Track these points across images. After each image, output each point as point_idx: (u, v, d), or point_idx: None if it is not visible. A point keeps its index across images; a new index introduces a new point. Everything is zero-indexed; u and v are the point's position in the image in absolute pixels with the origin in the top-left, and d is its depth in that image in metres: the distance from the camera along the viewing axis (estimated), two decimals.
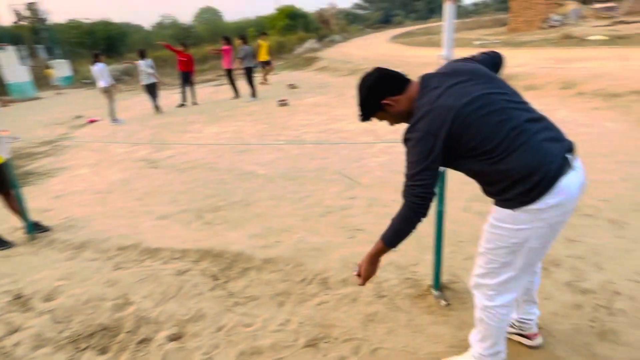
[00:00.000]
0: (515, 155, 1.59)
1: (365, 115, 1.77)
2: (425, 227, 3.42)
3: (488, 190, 1.72)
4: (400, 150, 5.68)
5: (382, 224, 3.62)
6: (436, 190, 1.72)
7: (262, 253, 3.21)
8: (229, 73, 10.21)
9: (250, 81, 10.04)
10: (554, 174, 1.59)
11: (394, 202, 4.02)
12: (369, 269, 1.82)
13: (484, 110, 1.61)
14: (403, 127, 1.83)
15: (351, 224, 3.63)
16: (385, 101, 1.72)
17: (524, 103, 1.75)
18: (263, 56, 11.69)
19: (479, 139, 1.60)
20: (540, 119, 1.67)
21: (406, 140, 1.68)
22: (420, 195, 1.68)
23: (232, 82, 10.40)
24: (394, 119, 1.79)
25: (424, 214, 1.70)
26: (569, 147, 1.66)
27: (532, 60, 8.71)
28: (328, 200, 4.19)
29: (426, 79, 1.70)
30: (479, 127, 1.59)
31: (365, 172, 4.96)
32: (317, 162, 5.42)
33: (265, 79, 12.29)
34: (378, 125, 7.43)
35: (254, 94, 10.14)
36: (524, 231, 1.67)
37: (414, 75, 1.83)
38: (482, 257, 1.81)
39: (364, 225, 3.50)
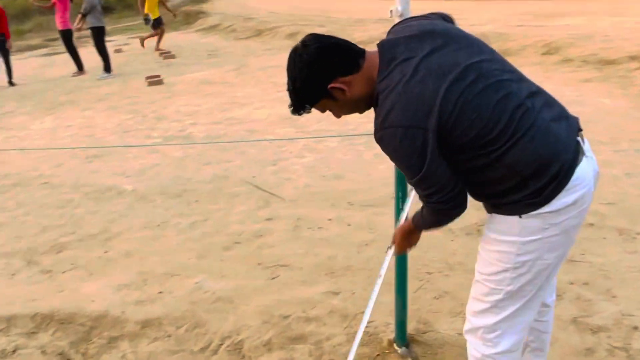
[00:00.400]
0: (523, 143, 1.62)
1: (302, 106, 1.74)
2: (378, 253, 3.74)
3: (485, 193, 1.74)
4: (334, 147, 6.04)
5: (317, 255, 3.93)
6: (462, 196, 1.72)
7: (139, 312, 2.90)
8: (66, 36, 9.41)
9: (100, 48, 9.33)
10: (570, 165, 1.65)
11: (330, 222, 3.99)
12: (402, 244, 2.05)
13: (478, 86, 1.61)
14: (354, 117, 1.78)
15: (271, 258, 3.64)
16: (333, 84, 1.68)
17: (516, 71, 1.78)
18: (151, 9, 11.09)
19: (479, 125, 1.60)
20: (538, 92, 1.71)
21: (380, 141, 1.64)
22: (442, 207, 1.73)
23: (72, 50, 9.56)
24: (345, 109, 1.76)
25: (457, 212, 1.77)
26: (577, 127, 1.74)
27: (504, 15, 9.28)
28: (235, 225, 4.07)
29: (388, 47, 1.69)
30: (477, 110, 1.59)
31: (285, 179, 4.96)
32: (214, 169, 5.32)
33: (144, 44, 11.89)
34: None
35: (107, 68, 9.43)
36: (534, 243, 1.72)
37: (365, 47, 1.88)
38: (480, 288, 1.84)
39: (290, 257, 3.61)
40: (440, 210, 1.73)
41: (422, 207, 1.86)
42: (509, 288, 1.80)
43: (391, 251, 2.23)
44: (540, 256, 1.75)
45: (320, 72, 1.67)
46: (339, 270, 3.39)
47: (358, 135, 6.16)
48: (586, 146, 1.76)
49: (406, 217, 2.11)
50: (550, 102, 1.74)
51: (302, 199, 4.49)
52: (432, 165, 1.62)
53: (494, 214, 1.79)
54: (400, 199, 2.51)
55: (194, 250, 3.75)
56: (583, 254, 3.38)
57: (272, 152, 5.73)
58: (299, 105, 1.75)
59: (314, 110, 1.78)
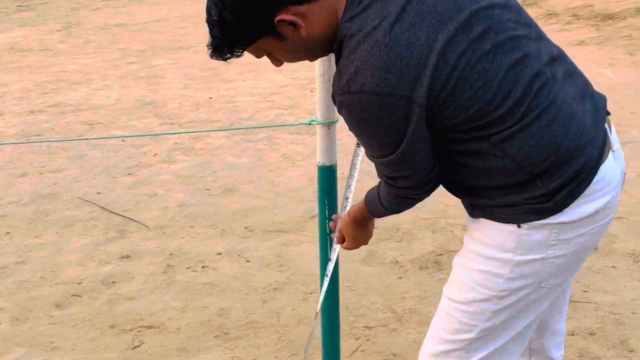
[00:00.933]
0: (537, 127, 1.72)
1: (231, 47, 1.76)
2: (293, 302, 3.81)
3: (474, 188, 1.83)
4: (221, 145, 6.22)
5: (201, 310, 3.84)
6: (435, 180, 1.85)
7: None
8: None
9: None
10: (595, 163, 1.76)
11: (219, 259, 4.02)
12: (357, 235, 2.18)
13: (487, 43, 1.69)
14: (293, 67, 1.81)
15: (130, 316, 3.62)
16: (282, 16, 1.70)
17: (534, 26, 1.86)
18: None
19: (484, 99, 1.68)
20: (560, 57, 1.82)
21: (341, 107, 1.70)
22: (407, 194, 1.87)
23: None
24: (294, 52, 1.81)
25: (424, 196, 1.90)
26: (605, 109, 1.87)
27: None
28: (71, 268, 4.00)
29: None
30: (483, 77, 1.67)
31: (148, 196, 4.98)
32: (34, 183, 5.23)
33: None
34: (168, 90, 7.85)
35: None
36: (534, 264, 1.81)
37: None
38: (446, 321, 1.93)
39: (160, 315, 3.59)
40: (405, 197, 1.87)
41: (379, 187, 1.94)
42: (488, 324, 1.87)
43: (335, 253, 2.32)
44: (538, 282, 1.83)
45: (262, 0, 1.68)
46: (236, 329, 3.40)
47: (256, 127, 6.24)
48: (613, 136, 1.86)
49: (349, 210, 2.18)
50: (572, 72, 1.83)
51: (175, 225, 4.50)
52: (412, 146, 1.69)
53: (481, 219, 1.86)
54: (327, 218, 2.58)
55: (5, 311, 3.63)
56: (586, 291, 3.56)
57: (126, 155, 5.71)
58: (227, 45, 1.75)
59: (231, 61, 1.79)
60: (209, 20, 1.73)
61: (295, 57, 1.80)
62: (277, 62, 1.84)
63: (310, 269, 3.84)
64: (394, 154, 1.70)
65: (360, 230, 2.13)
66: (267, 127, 6.06)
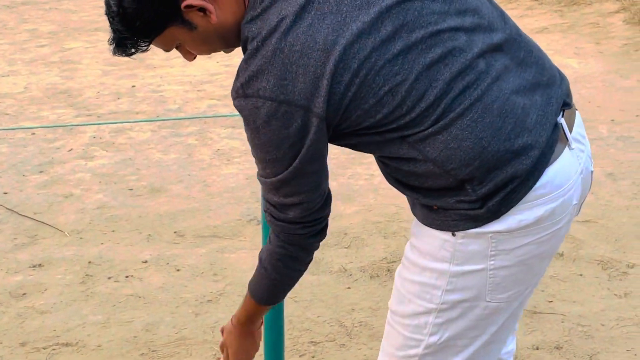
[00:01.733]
0: (458, 128, 1.74)
1: (135, 40, 1.78)
2: (229, 315, 3.75)
3: (408, 185, 1.87)
4: (146, 139, 6.16)
5: (125, 325, 3.80)
6: (326, 217, 1.90)
7: None
8: None
9: None
10: (536, 162, 1.77)
11: (145, 268, 4.01)
12: (240, 349, 2.16)
13: (397, 43, 1.71)
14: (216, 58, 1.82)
15: (43, 333, 3.56)
16: (190, 1, 1.72)
17: (473, 10, 1.85)
18: None
19: (391, 104, 1.72)
20: (508, 42, 1.83)
21: (238, 110, 1.75)
22: (301, 232, 1.87)
23: None
24: (205, 43, 1.83)
25: (316, 244, 1.95)
26: (563, 99, 1.86)
27: None
28: None
29: None
30: (389, 83, 1.71)
31: (63, 197, 4.94)
32: None
33: None
34: (84, 77, 7.75)
35: None
36: (473, 276, 1.85)
37: None
38: (392, 336, 1.98)
39: (78, 331, 3.54)
40: (294, 242, 1.88)
41: (266, 252, 1.94)
42: (433, 339, 1.90)
43: None
44: (481, 296, 1.86)
45: None
46: (165, 346, 3.37)
47: (186, 118, 6.23)
48: (576, 131, 1.88)
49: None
50: (524, 60, 1.83)
51: (94, 229, 4.46)
52: (306, 164, 1.74)
53: (421, 226, 1.90)
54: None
55: None
56: (551, 302, 3.61)
57: (37, 150, 5.66)
58: (130, 39, 1.76)
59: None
60: (109, 12, 1.74)
61: (208, 48, 1.84)
62: (189, 55, 1.86)
63: (249, 279, 3.84)
64: (286, 171, 1.74)
65: (245, 338, 2.13)
66: (199, 117, 6.05)
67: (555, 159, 1.79)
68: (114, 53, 1.78)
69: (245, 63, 1.69)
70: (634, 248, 4.10)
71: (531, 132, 1.75)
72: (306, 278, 3.87)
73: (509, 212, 1.77)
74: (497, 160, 1.73)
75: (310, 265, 3.98)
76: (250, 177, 5.07)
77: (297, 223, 1.84)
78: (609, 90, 6.54)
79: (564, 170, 1.81)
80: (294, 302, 3.66)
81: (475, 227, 1.78)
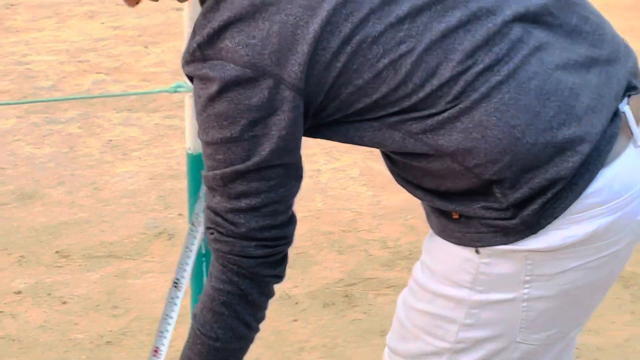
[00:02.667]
0: (483, 111, 1.73)
1: None
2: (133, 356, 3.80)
3: (421, 190, 1.88)
4: (10, 129, 5.97)
5: None
6: (289, 241, 1.88)
7: None
8: None
9: None
10: (589, 162, 1.75)
11: (19, 300, 4.01)
12: None
13: (405, 4, 1.74)
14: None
15: None
16: None
17: None
18: None
19: (395, 80, 1.73)
20: (555, 6, 1.83)
21: (189, 77, 1.80)
22: (251, 237, 1.82)
23: None
24: None
25: (270, 290, 1.90)
26: (627, 82, 1.86)
27: None
28: None
29: None
30: (388, 55, 1.72)
31: None
32: None
33: None
34: None
35: None
36: (500, 308, 1.86)
37: None
38: None
39: None
40: (251, 267, 1.83)
41: (203, 301, 1.90)
42: None
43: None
44: (511, 334, 1.88)
45: None
46: None
47: (64, 99, 6.20)
48: None
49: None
50: (578, 29, 1.84)
51: None
52: (275, 152, 1.74)
53: (436, 239, 1.91)
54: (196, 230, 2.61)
55: None
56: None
57: None
58: None
59: None
60: None
61: None
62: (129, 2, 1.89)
63: (160, 311, 3.84)
64: (246, 162, 1.74)
65: None
66: (83, 98, 6.02)
67: (614, 159, 1.78)
68: None
69: (203, 18, 1.73)
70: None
71: (581, 121, 1.74)
72: None
73: (551, 225, 1.76)
74: (535, 157, 1.73)
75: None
76: (156, 176, 5.06)
77: (252, 239, 1.80)
78: None
79: (626, 173, 1.80)
80: None
81: (506, 242, 1.78)
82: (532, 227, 1.76)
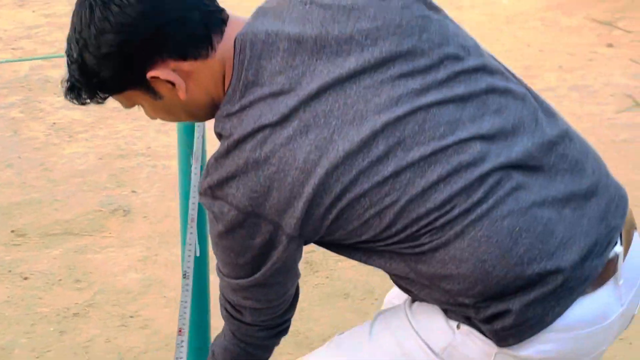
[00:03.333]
0: (458, 247, 1.84)
1: (93, 91, 1.93)
2: (115, 330, 3.61)
3: (402, 287, 2.06)
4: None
5: None
6: (288, 323, 2.17)
7: None
8: None
9: None
10: (555, 292, 1.85)
11: None
12: None
13: (390, 165, 1.83)
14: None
15: None
16: (157, 72, 1.88)
17: (502, 109, 1.89)
18: None
19: (381, 226, 1.85)
20: (541, 146, 1.90)
21: (207, 208, 1.95)
22: (254, 325, 2.10)
23: None
24: (171, 114, 2.02)
25: (278, 342, 2.20)
26: (606, 213, 1.92)
27: None
28: None
29: (252, 50, 1.90)
30: (377, 205, 1.84)
31: None
32: None
33: None
34: None
35: None
36: None
37: None
38: None
39: None
40: (256, 340, 2.14)
41: (220, 347, 2.17)
42: None
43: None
44: None
45: (134, 45, 1.83)
46: None
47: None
48: (631, 259, 1.95)
49: None
50: (556, 167, 1.89)
51: None
52: (270, 278, 1.95)
53: (416, 304, 2.02)
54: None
55: None
56: None
57: None
58: (86, 90, 1.89)
59: None
60: (68, 54, 1.88)
61: (172, 118, 2.04)
62: (151, 114, 2.02)
63: (124, 283, 3.89)
64: (246, 279, 1.96)
65: None
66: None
67: (591, 291, 1.86)
68: (66, 96, 1.91)
69: (215, 161, 1.87)
70: None
71: (553, 255, 1.81)
72: None
73: (523, 341, 1.86)
74: (504, 287, 1.82)
75: None
76: (105, 157, 5.08)
77: (255, 326, 2.07)
78: (552, 30, 6.82)
79: (599, 307, 1.88)
80: None
81: (483, 335, 1.89)
82: (501, 340, 1.87)
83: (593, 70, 6.17)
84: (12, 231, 4.39)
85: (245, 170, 1.81)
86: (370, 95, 1.82)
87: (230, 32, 1.88)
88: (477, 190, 1.79)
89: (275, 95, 1.83)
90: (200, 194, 1.91)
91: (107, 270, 4.03)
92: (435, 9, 1.95)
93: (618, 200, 1.93)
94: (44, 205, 4.63)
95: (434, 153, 1.80)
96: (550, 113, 1.96)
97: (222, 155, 1.85)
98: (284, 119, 1.81)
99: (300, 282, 3.80)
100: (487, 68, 1.93)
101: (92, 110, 5.62)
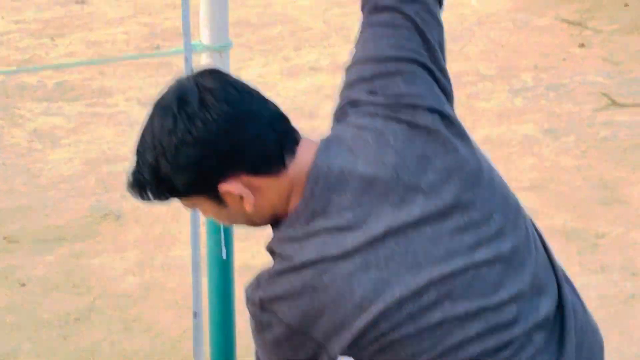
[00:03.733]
0: None
1: (160, 192, 1.99)
2: (119, 334, 3.61)
3: None
4: None
5: None
6: None
7: None
8: None
9: None
10: None
11: None
12: None
13: (437, 313, 1.89)
14: None
15: None
16: (230, 187, 1.95)
17: (539, 273, 1.99)
18: None
19: None
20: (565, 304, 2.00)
21: (252, 315, 1.99)
22: None
23: None
24: (232, 220, 2.12)
25: None
26: None
27: None
28: None
29: (323, 183, 1.97)
30: (419, 347, 1.90)
31: None
32: None
33: None
34: None
35: None
36: None
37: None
38: None
39: None
40: None
41: None
42: None
43: None
44: None
45: (212, 160, 1.90)
46: None
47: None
48: None
49: None
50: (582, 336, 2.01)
51: None
52: None
53: None
54: None
55: None
56: None
57: None
58: (153, 191, 1.94)
59: None
60: (140, 153, 1.93)
61: (229, 223, 2.17)
62: (217, 219, 2.10)
63: (123, 287, 3.91)
64: None
65: None
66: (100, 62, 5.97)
67: None
68: (129, 189, 1.95)
69: (270, 276, 1.92)
70: (598, 215, 4.42)
71: None
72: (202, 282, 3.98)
73: None
74: None
75: (204, 265, 4.12)
76: (90, 162, 5.09)
77: None
78: (523, 31, 6.89)
79: None
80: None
81: None
82: None
83: (568, 70, 6.25)
84: (4, 238, 4.39)
85: (302, 293, 1.88)
86: (430, 245, 1.89)
87: (302, 153, 1.95)
88: (503, 352, 1.88)
89: (340, 229, 1.90)
90: (248, 301, 1.96)
91: (105, 275, 4.04)
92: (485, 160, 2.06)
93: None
94: (34, 211, 4.63)
95: (478, 311, 1.88)
96: (566, 277, 2.08)
97: (279, 274, 1.92)
98: (347, 254, 1.87)
99: None
100: (524, 222, 2.03)
101: (72, 115, 5.64)
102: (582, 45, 6.64)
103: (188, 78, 1.97)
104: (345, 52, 6.62)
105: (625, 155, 5.10)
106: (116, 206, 4.61)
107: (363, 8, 2.15)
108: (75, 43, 6.86)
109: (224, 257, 2.75)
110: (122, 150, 5.21)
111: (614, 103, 5.73)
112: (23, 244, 4.32)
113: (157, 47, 6.90)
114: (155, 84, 6.10)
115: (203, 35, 2.56)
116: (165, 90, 1.96)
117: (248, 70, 6.26)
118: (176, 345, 3.54)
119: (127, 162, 5.29)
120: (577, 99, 5.82)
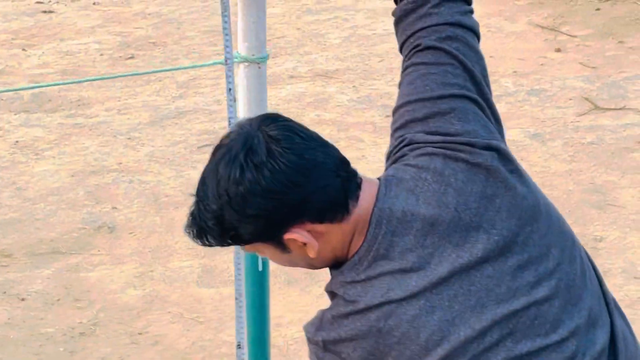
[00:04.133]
0: None
1: (222, 239, 2.00)
2: (126, 347, 3.63)
3: None
4: None
5: None
6: None
7: None
8: None
9: None
10: None
11: None
12: None
13: (500, 353, 1.93)
14: None
15: None
16: (295, 235, 1.96)
17: (593, 305, 2.03)
18: None
19: None
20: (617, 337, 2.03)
21: (314, 352, 2.02)
22: None
23: None
24: (292, 264, 2.11)
25: None
26: None
27: None
28: None
29: (387, 226, 1.99)
30: None
31: None
32: None
33: None
34: None
35: None
36: None
37: None
38: None
39: None
40: None
41: None
42: None
43: None
44: None
45: (281, 210, 1.91)
46: None
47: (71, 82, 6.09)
48: None
49: None
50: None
51: None
52: None
53: None
54: None
55: None
56: None
57: None
58: (215, 237, 1.96)
59: None
60: (203, 199, 1.95)
61: (290, 265, 2.12)
62: (279, 262, 2.11)
63: (124, 300, 3.89)
64: None
65: None
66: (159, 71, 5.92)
67: None
68: (186, 231, 1.96)
69: (333, 319, 1.94)
70: (594, 219, 4.46)
71: None
72: (204, 293, 3.98)
73: None
74: None
75: (204, 276, 4.10)
76: (77, 174, 5.05)
77: None
78: (498, 37, 6.95)
79: None
80: (198, 324, 3.73)
81: None
82: None
83: (547, 75, 6.32)
84: (1, 252, 4.35)
85: (367, 336, 1.90)
86: (492, 285, 1.91)
87: (364, 197, 1.97)
88: None
89: (404, 271, 1.92)
90: (310, 341, 1.98)
91: (105, 288, 4.02)
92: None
93: None
94: (25, 225, 4.60)
95: (539, 350, 1.90)
96: (615, 303, 2.10)
97: (343, 317, 1.93)
98: (412, 297, 1.90)
99: (304, 292, 3.90)
100: (579, 254, 2.06)
101: (52, 127, 5.61)
102: (558, 50, 6.71)
103: (252, 124, 1.96)
104: (322, 59, 6.86)
105: (613, 159, 5.16)
106: (108, 218, 4.59)
107: (401, 49, 2.17)
108: (48, 53, 6.82)
109: (260, 268, 2.75)
110: (107, 161, 5.21)
111: (596, 107, 5.80)
112: (18, 257, 4.29)
113: (132, 57, 6.89)
114: (133, 93, 6.12)
115: (241, 46, 2.56)
116: (229, 135, 1.96)
117: None
118: (186, 358, 3.53)
119: (114, 173, 5.25)
120: (559, 103, 5.89)
